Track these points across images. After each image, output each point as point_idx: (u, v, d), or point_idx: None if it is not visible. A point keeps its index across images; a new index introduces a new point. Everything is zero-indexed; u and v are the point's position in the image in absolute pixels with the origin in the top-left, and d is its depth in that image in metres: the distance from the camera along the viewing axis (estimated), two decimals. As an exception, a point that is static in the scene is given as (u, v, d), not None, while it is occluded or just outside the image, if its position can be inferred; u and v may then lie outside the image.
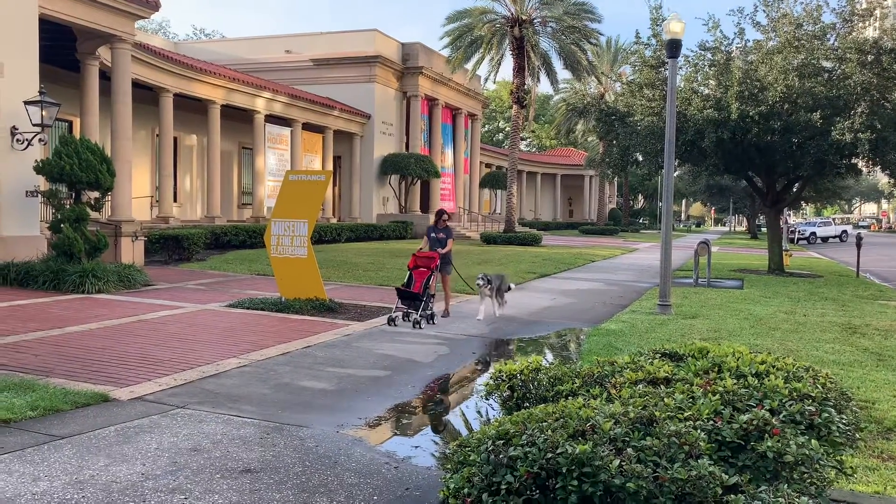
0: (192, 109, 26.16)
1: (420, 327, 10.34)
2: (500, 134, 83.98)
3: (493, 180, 46.04)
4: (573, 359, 8.89)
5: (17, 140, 13.67)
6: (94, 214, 14.62)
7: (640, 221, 76.92)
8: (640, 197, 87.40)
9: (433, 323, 10.77)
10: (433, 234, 11.77)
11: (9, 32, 13.52)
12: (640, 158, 21.71)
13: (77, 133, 18.36)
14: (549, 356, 9.38)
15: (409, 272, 11.11)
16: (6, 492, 4.26)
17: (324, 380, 7.37)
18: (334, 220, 32.45)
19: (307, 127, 30.60)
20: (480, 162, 47.49)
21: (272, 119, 28.56)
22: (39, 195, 14.04)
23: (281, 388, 7.01)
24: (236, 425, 5.77)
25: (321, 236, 26.73)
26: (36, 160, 13.58)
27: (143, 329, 9.54)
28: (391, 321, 10.50)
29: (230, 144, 30.01)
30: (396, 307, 10.74)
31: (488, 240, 33.36)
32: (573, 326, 11.40)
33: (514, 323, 11.43)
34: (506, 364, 4.73)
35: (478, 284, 11.36)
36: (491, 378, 4.75)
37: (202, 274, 16.61)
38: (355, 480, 4.68)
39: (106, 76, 18.26)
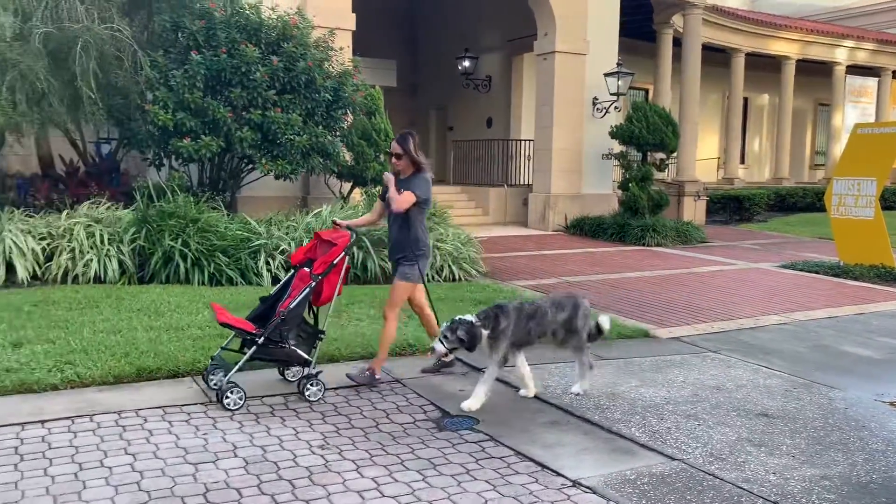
0: (763, 68, 25.49)
1: (228, 404, 4.58)
2: None
3: None
4: None
5: (597, 109, 15.59)
6: (658, 175, 15.77)
7: None
8: None
9: (309, 396, 4.82)
10: (388, 194, 5.20)
11: (595, 13, 15.45)
12: None
13: (651, 99, 19.84)
14: None
15: (291, 272, 5.26)
16: (558, 389, 5.24)
17: (871, 348, 6.77)
18: (927, 183, 27.85)
19: (898, 75, 26.83)
20: None
21: (854, 70, 25.87)
22: (612, 157, 15.78)
23: (819, 349, 6.72)
24: (763, 375, 5.83)
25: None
26: (611, 126, 15.29)
27: (690, 280, 10.09)
28: (207, 376, 4.91)
29: (804, 102, 28.29)
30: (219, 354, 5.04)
31: None
32: None
33: None
34: None
35: (443, 337, 4.76)
36: None
37: (759, 234, 16.41)
38: (881, 447, 4.33)
39: (678, 43, 19.23)
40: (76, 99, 9.05)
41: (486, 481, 3.78)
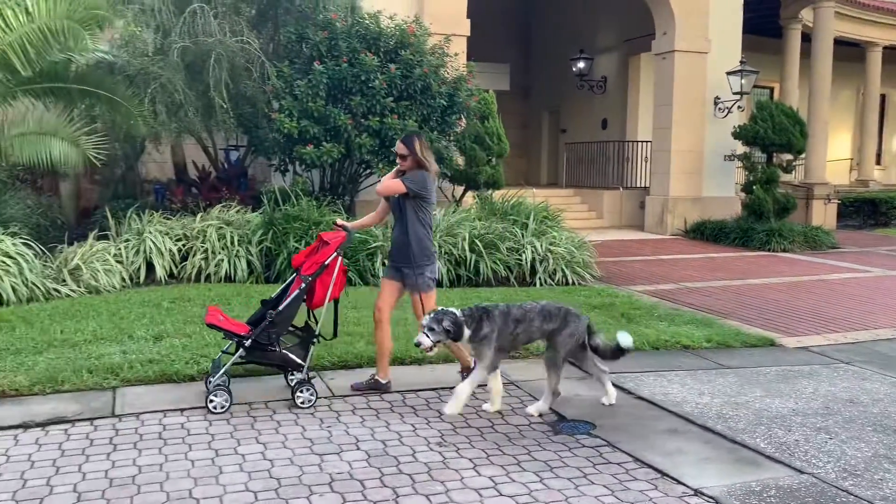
0: (903, 62, 23.82)
1: (213, 407, 4.59)
2: None
3: None
4: None
5: (719, 109, 15.01)
6: (785, 177, 15.01)
7: None
8: None
9: (301, 403, 4.74)
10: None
11: (717, 10, 14.89)
12: None
13: (777, 98, 18.91)
14: None
15: (293, 274, 5.08)
16: (677, 396, 5.13)
17: None
18: None
19: None
20: None
21: None
22: (735, 159, 15.16)
23: (968, 363, 6.22)
24: (903, 389, 5.47)
25: None
26: (734, 126, 14.68)
27: (820, 288, 9.56)
28: (207, 380, 4.92)
29: (950, 97, 26.20)
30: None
31: None
32: None
33: None
34: None
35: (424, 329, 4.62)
36: None
37: (898, 240, 15.35)
38: None
39: (806, 38, 18.25)
40: (209, 108, 9.62)
41: (604, 486, 3.75)
